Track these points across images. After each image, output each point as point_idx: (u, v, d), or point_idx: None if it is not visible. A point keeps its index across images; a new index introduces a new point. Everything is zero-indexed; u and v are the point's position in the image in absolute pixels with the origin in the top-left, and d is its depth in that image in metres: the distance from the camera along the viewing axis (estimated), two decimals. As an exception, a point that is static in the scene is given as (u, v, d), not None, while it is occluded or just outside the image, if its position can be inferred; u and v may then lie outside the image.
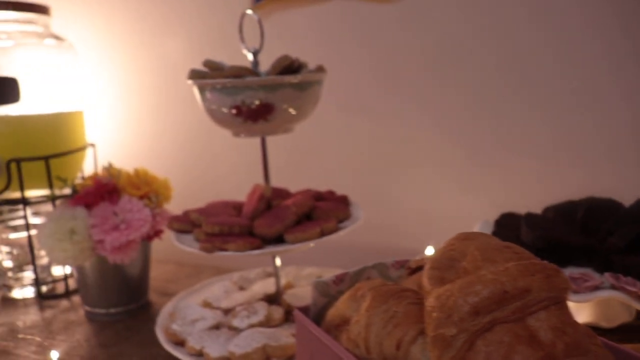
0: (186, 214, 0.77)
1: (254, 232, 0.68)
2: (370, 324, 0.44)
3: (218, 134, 1.05)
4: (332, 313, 0.51)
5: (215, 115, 0.68)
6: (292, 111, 0.67)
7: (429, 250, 0.79)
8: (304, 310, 0.54)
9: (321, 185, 0.88)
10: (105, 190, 0.80)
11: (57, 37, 0.95)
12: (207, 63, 0.68)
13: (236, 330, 0.70)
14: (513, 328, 0.38)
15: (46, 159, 0.87)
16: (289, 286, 0.82)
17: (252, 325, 0.70)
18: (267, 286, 0.80)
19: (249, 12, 0.68)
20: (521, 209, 0.81)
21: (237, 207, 0.77)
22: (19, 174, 0.86)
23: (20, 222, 0.95)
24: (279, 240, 0.68)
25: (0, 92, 0.85)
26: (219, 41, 1.02)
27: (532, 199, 0.83)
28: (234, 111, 0.65)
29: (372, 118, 0.93)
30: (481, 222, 0.80)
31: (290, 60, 0.65)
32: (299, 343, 0.55)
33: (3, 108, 0.87)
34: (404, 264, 0.56)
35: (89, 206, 0.79)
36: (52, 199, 0.85)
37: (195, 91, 0.70)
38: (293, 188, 0.83)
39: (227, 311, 0.76)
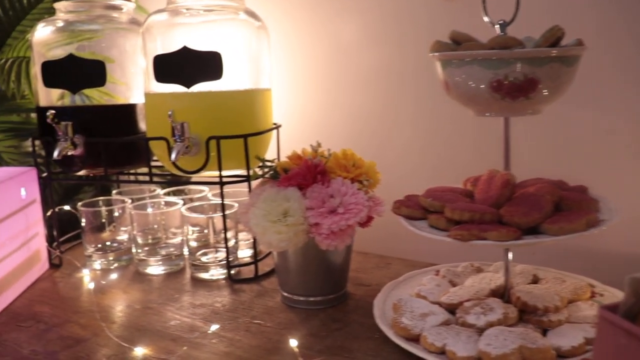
0: (409, 198, 0.71)
1: (505, 221, 0.61)
2: None
3: (400, 118, 1.00)
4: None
5: (462, 90, 0.62)
6: (553, 89, 0.60)
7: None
8: (612, 309, 0.47)
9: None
10: (317, 172, 0.76)
11: (250, 12, 0.92)
12: (456, 35, 0.62)
13: (472, 328, 0.64)
14: None
15: (245, 137, 0.85)
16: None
17: (490, 324, 0.63)
18: (487, 282, 0.73)
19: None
20: None
21: (465, 194, 0.71)
22: (218, 153, 0.84)
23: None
24: (531, 231, 0.61)
25: (205, 67, 0.83)
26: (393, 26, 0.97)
27: None
28: (493, 85, 0.59)
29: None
30: None
31: (562, 31, 0.58)
32: (599, 350, 0.48)
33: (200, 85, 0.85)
34: None
35: (300, 188, 0.75)
36: (257, 177, 0.81)
37: (438, 65, 0.64)
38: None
39: (450, 306, 0.70)
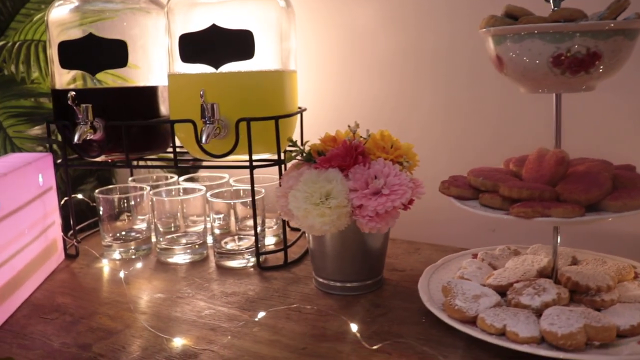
0: (455, 178, 0.70)
1: (564, 198, 0.60)
2: None
3: (418, 102, 0.99)
4: None
5: (519, 66, 0.60)
6: (614, 64, 0.59)
7: None
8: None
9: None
10: (357, 153, 0.74)
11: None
12: (512, 9, 0.61)
13: (528, 309, 0.62)
14: None
15: (277, 119, 0.82)
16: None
17: (546, 304, 0.62)
18: (529, 264, 0.72)
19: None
20: None
21: (510, 174, 0.70)
22: (249, 135, 0.81)
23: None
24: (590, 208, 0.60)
25: (235, 46, 0.80)
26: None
27: None
28: (555, 59, 0.58)
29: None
30: None
31: (628, 2, 0.57)
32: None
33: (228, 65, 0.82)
34: None
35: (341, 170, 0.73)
36: (292, 159, 0.79)
37: (490, 41, 0.62)
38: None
39: (498, 288, 0.69)
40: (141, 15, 0.91)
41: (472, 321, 0.63)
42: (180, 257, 0.90)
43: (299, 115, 0.94)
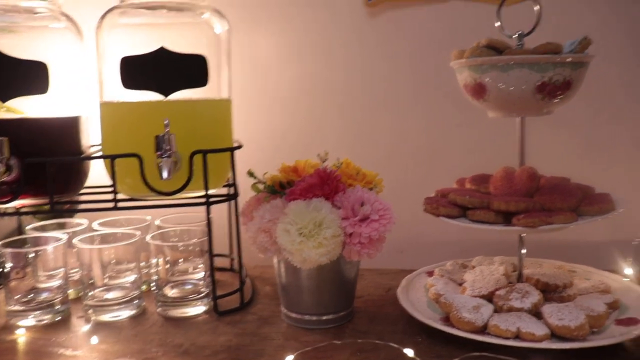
0: (432, 200, 0.74)
1: (547, 207, 0.68)
2: None
3: (325, 131, 1.02)
4: None
5: (504, 92, 0.67)
6: (576, 90, 0.69)
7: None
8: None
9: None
10: (337, 180, 0.73)
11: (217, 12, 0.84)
12: (494, 42, 0.68)
13: (521, 311, 0.68)
14: None
15: (232, 150, 0.77)
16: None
17: (535, 305, 0.69)
18: (491, 273, 0.79)
19: None
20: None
21: (475, 191, 0.76)
22: (205, 168, 0.74)
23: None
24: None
25: (187, 72, 0.73)
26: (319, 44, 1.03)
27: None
28: (538, 87, 0.66)
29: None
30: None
31: (591, 41, 0.67)
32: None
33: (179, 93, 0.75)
34: None
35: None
36: (260, 191, 0.73)
37: (470, 70, 0.69)
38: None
39: (482, 297, 0.74)
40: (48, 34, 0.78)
41: (480, 330, 0.66)
42: (118, 313, 0.77)
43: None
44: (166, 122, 0.69)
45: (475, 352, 0.65)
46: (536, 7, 0.70)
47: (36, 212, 0.87)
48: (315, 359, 0.65)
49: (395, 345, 0.67)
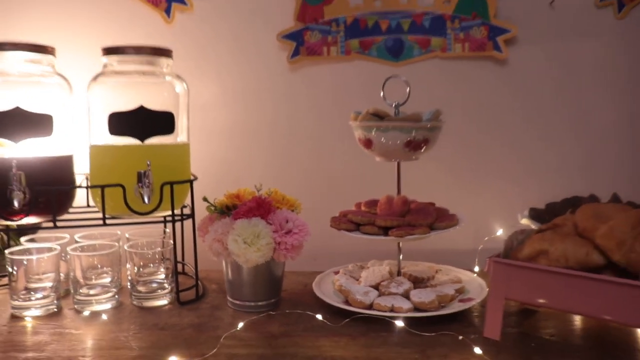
0: (335, 219, 1.04)
1: (414, 223, 1.00)
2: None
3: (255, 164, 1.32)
4: (527, 252, 0.87)
5: (384, 146, 0.99)
6: (433, 145, 1.02)
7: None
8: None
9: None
10: (270, 205, 1.02)
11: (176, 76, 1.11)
12: (377, 111, 1.00)
13: (396, 295, 1.00)
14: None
15: (191, 182, 1.04)
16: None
17: (406, 290, 1.01)
18: (379, 271, 1.10)
19: (395, 76, 1.02)
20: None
21: (368, 212, 1.07)
22: (172, 195, 1.01)
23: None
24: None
25: (160, 124, 1.00)
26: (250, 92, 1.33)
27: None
28: (407, 143, 0.98)
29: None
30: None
31: (441, 112, 1.01)
32: (493, 286, 0.90)
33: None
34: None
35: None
36: (214, 212, 1.01)
37: (362, 128, 1.00)
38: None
39: (372, 286, 1.04)
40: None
41: (369, 307, 0.97)
42: (101, 305, 1.01)
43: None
44: (148, 162, 0.95)
45: (362, 320, 0.95)
46: (407, 89, 1.02)
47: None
48: (258, 324, 0.93)
49: (311, 313, 0.96)
